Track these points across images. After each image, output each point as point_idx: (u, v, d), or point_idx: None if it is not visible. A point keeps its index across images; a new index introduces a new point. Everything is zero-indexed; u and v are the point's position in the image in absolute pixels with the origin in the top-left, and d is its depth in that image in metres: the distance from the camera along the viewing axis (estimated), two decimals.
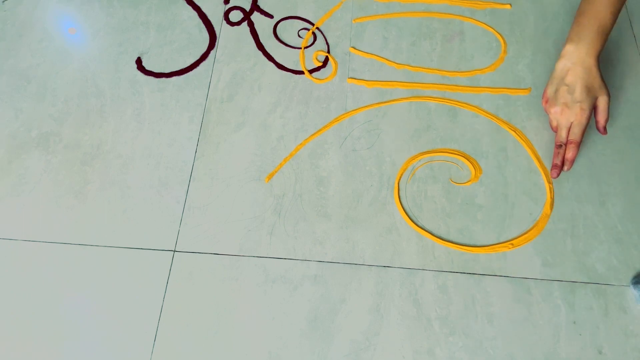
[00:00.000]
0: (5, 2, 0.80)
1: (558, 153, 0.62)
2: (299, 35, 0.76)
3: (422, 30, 0.76)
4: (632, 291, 0.57)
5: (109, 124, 0.69)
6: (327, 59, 0.74)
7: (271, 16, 0.78)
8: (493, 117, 0.68)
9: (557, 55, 0.67)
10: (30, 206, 0.64)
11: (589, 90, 0.59)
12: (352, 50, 0.74)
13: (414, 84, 0.71)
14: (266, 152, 0.67)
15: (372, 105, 0.70)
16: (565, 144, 0.61)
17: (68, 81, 0.73)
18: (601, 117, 0.60)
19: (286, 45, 0.75)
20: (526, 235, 0.61)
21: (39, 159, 0.67)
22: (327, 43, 0.75)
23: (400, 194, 0.64)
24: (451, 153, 0.66)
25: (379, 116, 0.69)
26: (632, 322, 0.56)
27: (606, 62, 0.72)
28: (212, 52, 0.75)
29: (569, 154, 0.61)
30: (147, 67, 0.74)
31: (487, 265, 0.59)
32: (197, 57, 0.74)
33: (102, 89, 0.72)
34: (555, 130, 0.63)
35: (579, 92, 0.59)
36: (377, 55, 0.74)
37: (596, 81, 0.59)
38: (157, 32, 0.77)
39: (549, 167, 0.65)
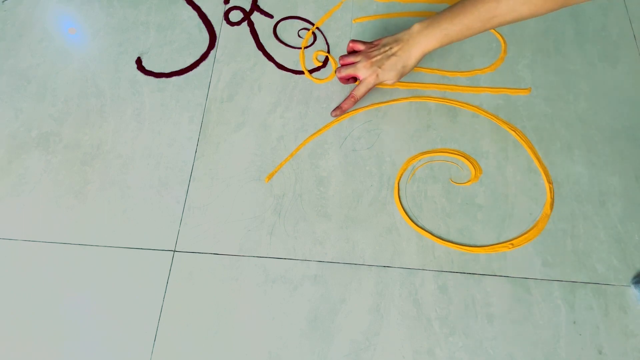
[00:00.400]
0: (5, 2, 0.80)
1: (345, 100, 0.68)
2: (299, 35, 0.76)
3: None
4: (632, 291, 0.57)
5: (109, 124, 0.69)
6: (327, 59, 0.74)
7: (271, 16, 0.78)
8: (493, 117, 0.68)
9: (558, 55, 0.67)
10: (30, 206, 0.64)
11: (392, 68, 0.63)
12: None
13: (414, 84, 0.71)
14: (266, 152, 0.67)
15: (372, 105, 0.70)
16: (348, 97, 0.67)
17: (68, 81, 0.73)
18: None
19: (286, 45, 0.75)
20: (526, 235, 0.61)
21: (39, 159, 0.67)
22: (327, 43, 0.75)
23: (400, 194, 0.64)
24: (451, 153, 0.66)
25: (379, 116, 0.69)
26: (632, 322, 0.56)
27: (606, 62, 0.72)
28: (212, 52, 0.75)
29: (347, 105, 0.67)
30: (147, 67, 0.74)
31: (487, 265, 0.59)
32: (197, 57, 0.74)
33: (102, 89, 0.72)
34: (343, 76, 0.67)
35: (387, 63, 0.63)
36: None
37: (405, 67, 0.62)
38: (157, 32, 0.77)
39: (548, 167, 0.65)
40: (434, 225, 0.62)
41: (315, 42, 0.75)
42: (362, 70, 0.64)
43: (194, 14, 0.78)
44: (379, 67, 0.63)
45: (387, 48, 0.63)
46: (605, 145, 0.66)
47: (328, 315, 0.57)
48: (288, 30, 0.77)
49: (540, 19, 0.76)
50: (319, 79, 0.72)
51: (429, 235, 0.61)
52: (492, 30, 0.75)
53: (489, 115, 0.69)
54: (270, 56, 0.74)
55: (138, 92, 0.72)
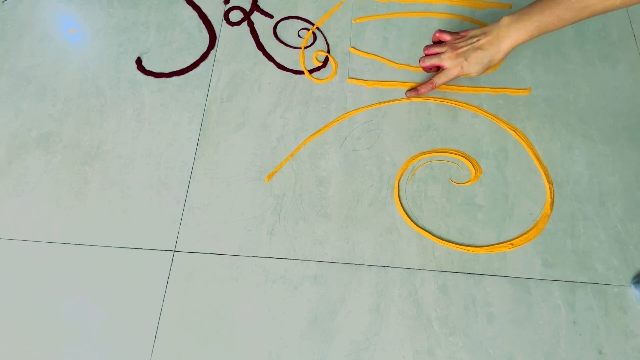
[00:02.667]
0: (5, 2, 0.80)
1: (424, 84, 0.68)
2: (299, 35, 0.76)
3: (422, 30, 0.76)
4: (632, 291, 0.57)
5: (109, 124, 0.69)
6: (327, 59, 0.74)
7: (271, 16, 0.78)
8: (493, 117, 0.68)
9: (558, 55, 0.67)
10: (30, 206, 0.64)
11: (478, 61, 0.62)
12: (352, 50, 0.74)
13: (414, 84, 0.71)
14: (266, 152, 0.67)
15: (372, 105, 0.70)
16: (428, 82, 0.67)
17: (68, 81, 0.73)
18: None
19: (286, 45, 0.75)
20: (526, 235, 0.61)
21: (39, 159, 0.67)
22: (327, 43, 0.75)
23: (400, 194, 0.64)
24: (451, 153, 0.66)
25: (379, 116, 0.69)
26: (632, 322, 0.56)
27: (606, 62, 0.72)
28: (212, 52, 0.75)
29: (424, 89, 0.67)
30: (147, 67, 0.74)
31: (487, 265, 0.59)
32: (197, 57, 0.74)
33: (102, 89, 0.72)
34: (427, 65, 0.66)
35: (473, 55, 0.62)
36: (377, 55, 0.74)
37: (491, 61, 0.62)
38: (157, 32, 0.77)
39: (549, 167, 0.65)
40: (434, 225, 0.62)
41: (315, 42, 0.75)
42: (447, 60, 0.64)
43: (194, 14, 0.78)
44: (465, 59, 0.62)
45: (474, 40, 0.62)
46: (605, 145, 0.66)
47: (328, 315, 0.57)
48: (288, 30, 0.77)
49: None
50: (319, 79, 0.72)
51: (429, 235, 0.61)
52: None
53: (489, 115, 0.69)
54: (270, 56, 0.74)
55: (138, 92, 0.72)
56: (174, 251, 0.61)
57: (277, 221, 0.62)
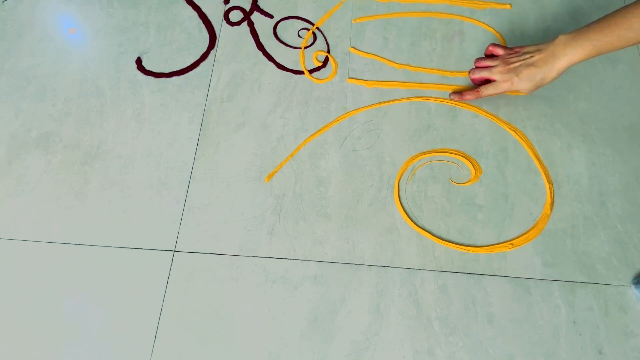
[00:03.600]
0: (5, 2, 0.80)
1: (470, 91, 0.67)
2: (299, 35, 0.76)
3: (422, 30, 0.76)
4: (633, 291, 0.57)
5: (109, 124, 0.69)
6: (327, 59, 0.74)
7: (271, 16, 0.78)
8: (493, 117, 0.68)
9: None
10: (30, 206, 0.64)
11: (529, 78, 0.61)
12: (352, 50, 0.74)
13: (414, 84, 0.71)
14: (266, 152, 0.67)
15: (372, 105, 0.70)
16: (474, 90, 0.67)
17: (68, 81, 0.73)
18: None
19: (286, 45, 0.75)
20: (526, 235, 0.61)
21: (39, 159, 0.67)
22: (327, 43, 0.75)
23: (400, 194, 0.64)
24: (451, 153, 0.66)
25: (379, 116, 0.69)
26: (632, 322, 0.56)
27: (606, 62, 0.72)
28: (212, 52, 0.75)
29: (469, 97, 0.67)
30: (147, 67, 0.74)
31: (487, 265, 0.59)
32: (197, 57, 0.74)
33: (102, 89, 0.72)
34: (476, 77, 0.66)
35: (525, 72, 0.61)
36: (377, 55, 0.74)
37: (543, 80, 0.61)
38: (157, 32, 0.77)
39: (549, 167, 0.65)
40: (434, 225, 0.62)
41: (315, 42, 0.75)
42: (498, 74, 0.63)
43: (194, 14, 0.78)
44: (516, 75, 0.61)
45: (527, 56, 0.61)
46: (605, 145, 0.66)
47: (328, 315, 0.57)
48: (288, 30, 0.77)
49: (540, 19, 0.76)
50: (319, 79, 0.72)
51: (429, 235, 0.61)
52: (492, 30, 0.75)
53: (489, 115, 0.69)
54: (270, 56, 0.74)
55: (138, 92, 0.72)
56: (174, 251, 0.61)
57: (277, 221, 0.62)
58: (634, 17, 0.54)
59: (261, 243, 0.61)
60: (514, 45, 0.66)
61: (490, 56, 0.67)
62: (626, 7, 0.55)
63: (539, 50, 0.61)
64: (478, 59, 0.67)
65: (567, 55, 0.58)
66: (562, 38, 0.59)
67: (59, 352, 0.56)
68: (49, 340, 0.57)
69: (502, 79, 0.63)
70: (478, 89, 0.66)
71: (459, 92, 0.68)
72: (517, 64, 0.62)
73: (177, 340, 0.56)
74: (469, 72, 0.68)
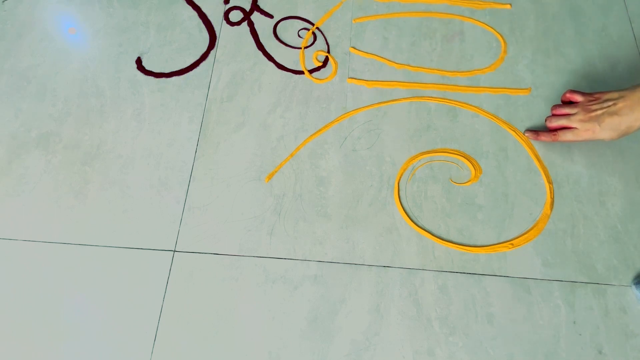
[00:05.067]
0: (5, 2, 0.80)
1: (547, 133, 0.64)
2: (299, 35, 0.76)
3: (422, 30, 0.76)
4: (633, 291, 0.57)
5: (109, 124, 0.69)
6: (327, 59, 0.74)
7: (271, 16, 0.78)
8: (493, 117, 0.68)
9: (558, 55, 0.67)
10: (30, 206, 0.64)
11: (612, 127, 0.58)
12: (352, 50, 0.74)
13: (414, 84, 0.71)
14: (266, 152, 0.67)
15: (372, 105, 0.70)
16: (552, 131, 0.64)
17: (68, 81, 0.73)
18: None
19: (286, 45, 0.75)
20: (526, 235, 0.61)
21: (39, 159, 0.67)
22: (327, 43, 0.75)
23: (400, 194, 0.64)
24: (451, 153, 0.66)
25: (379, 116, 0.69)
26: (632, 322, 0.56)
27: (606, 62, 0.72)
28: (212, 52, 0.75)
29: (545, 138, 0.64)
30: (147, 67, 0.74)
31: (487, 265, 0.59)
32: (197, 57, 0.74)
33: (102, 89, 0.72)
34: (554, 126, 0.63)
35: (607, 121, 0.58)
36: (377, 55, 0.74)
37: (629, 129, 0.57)
38: (157, 32, 0.77)
39: (548, 167, 0.65)
40: (434, 225, 0.62)
41: (315, 42, 0.75)
42: (578, 123, 0.60)
43: (194, 14, 0.78)
44: (598, 124, 0.58)
45: (610, 103, 0.58)
46: (605, 145, 0.66)
47: (328, 315, 0.57)
48: (288, 30, 0.77)
49: (540, 19, 0.76)
50: (319, 79, 0.72)
51: (429, 235, 0.61)
52: (492, 30, 0.75)
53: (489, 115, 0.69)
54: (270, 56, 0.74)
55: (138, 92, 0.72)
56: (174, 251, 0.61)
57: (277, 221, 0.62)
58: None
59: (261, 243, 0.61)
60: (594, 91, 0.62)
61: (567, 103, 0.64)
62: None
63: (622, 97, 0.58)
64: (555, 107, 0.64)
65: None
66: None
67: (59, 352, 0.56)
68: (49, 340, 0.57)
69: (584, 127, 0.60)
70: (556, 133, 0.63)
71: (534, 131, 0.65)
72: (599, 112, 0.59)
73: (177, 340, 0.56)
74: (546, 120, 0.65)
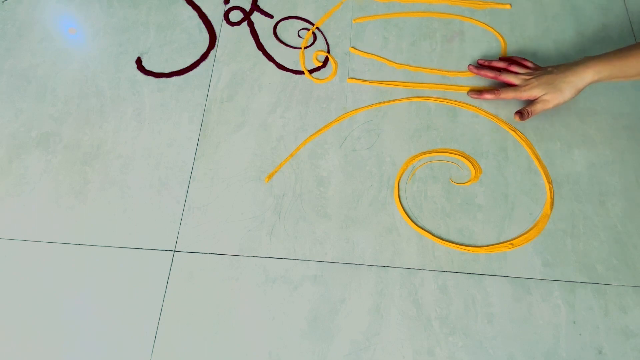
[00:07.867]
0: (5, 2, 0.80)
1: (489, 91, 0.68)
2: (299, 35, 0.76)
3: (422, 30, 0.76)
4: None
5: (109, 124, 0.69)
6: (327, 59, 0.74)
7: (271, 16, 0.78)
8: (493, 117, 0.68)
9: (557, 55, 0.66)
10: (30, 206, 0.64)
11: (550, 82, 0.63)
12: (352, 50, 0.74)
13: (414, 84, 0.71)
14: (266, 152, 0.67)
15: (372, 105, 0.70)
16: (493, 90, 0.68)
17: (68, 81, 0.73)
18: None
19: (286, 45, 0.75)
20: (526, 235, 0.61)
21: (39, 159, 0.67)
22: (327, 43, 0.75)
23: (400, 194, 0.64)
24: (451, 153, 0.66)
25: (379, 116, 0.69)
26: (632, 322, 0.56)
27: None
28: (212, 52, 0.75)
29: (488, 96, 0.68)
30: (147, 67, 0.74)
31: (487, 265, 0.59)
32: (197, 57, 0.74)
33: (102, 89, 0.72)
34: (502, 78, 0.68)
35: (545, 78, 0.63)
36: (377, 55, 0.74)
37: (565, 96, 0.62)
38: (157, 32, 0.77)
39: (549, 167, 0.65)
40: (434, 225, 0.62)
41: (315, 42, 0.75)
42: (520, 80, 0.66)
43: (194, 14, 0.78)
44: (535, 79, 0.65)
45: (550, 68, 0.65)
46: (605, 145, 0.66)
47: (328, 315, 0.57)
48: (288, 30, 0.77)
49: (540, 19, 0.76)
50: (319, 79, 0.72)
51: (429, 235, 0.61)
52: (492, 30, 0.75)
53: (489, 115, 0.69)
54: (270, 56, 0.74)
55: (138, 92, 0.72)
56: (174, 251, 0.61)
57: (277, 221, 0.62)
58: None
59: (261, 243, 0.61)
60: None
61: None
62: None
63: (560, 65, 0.64)
64: (506, 63, 0.69)
65: (585, 72, 0.61)
66: (585, 58, 0.62)
67: (59, 352, 0.56)
68: (49, 340, 0.57)
69: (523, 83, 0.65)
70: (498, 90, 0.67)
71: (478, 91, 0.69)
72: (539, 71, 0.66)
73: (177, 340, 0.56)
74: (492, 62, 0.71)
